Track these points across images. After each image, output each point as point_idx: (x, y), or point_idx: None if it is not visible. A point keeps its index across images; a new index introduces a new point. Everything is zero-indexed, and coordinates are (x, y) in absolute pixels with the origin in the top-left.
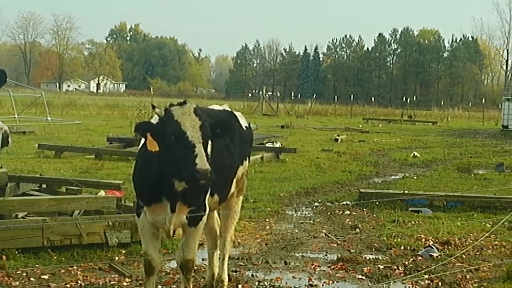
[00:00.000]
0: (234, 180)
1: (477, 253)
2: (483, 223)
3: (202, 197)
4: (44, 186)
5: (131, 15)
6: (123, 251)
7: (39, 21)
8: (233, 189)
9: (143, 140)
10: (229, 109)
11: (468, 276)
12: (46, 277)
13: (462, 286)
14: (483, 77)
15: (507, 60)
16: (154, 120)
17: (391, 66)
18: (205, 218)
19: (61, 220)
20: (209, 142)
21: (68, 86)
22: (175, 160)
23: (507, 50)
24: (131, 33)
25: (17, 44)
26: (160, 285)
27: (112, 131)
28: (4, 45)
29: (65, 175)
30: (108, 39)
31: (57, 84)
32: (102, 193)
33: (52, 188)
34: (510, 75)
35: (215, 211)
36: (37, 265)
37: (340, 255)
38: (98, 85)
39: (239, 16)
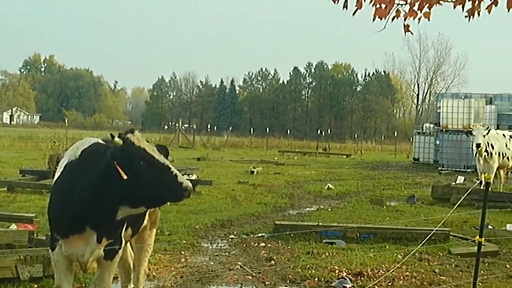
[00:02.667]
0: (147, 213)
1: (389, 284)
2: (395, 254)
3: (120, 230)
4: None
5: (45, 46)
6: (35, 286)
7: None
8: (145, 221)
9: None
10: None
11: None
12: None
13: None
14: (395, 110)
15: (418, 95)
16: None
17: (306, 99)
18: (121, 251)
19: None
20: None
21: None
22: (151, 184)
23: (418, 85)
24: (45, 64)
25: None
26: None
27: (25, 163)
28: None
29: None
30: (22, 70)
31: None
32: (13, 226)
33: None
34: (420, 109)
35: (129, 245)
36: None
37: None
38: (11, 116)
39: (155, 48)
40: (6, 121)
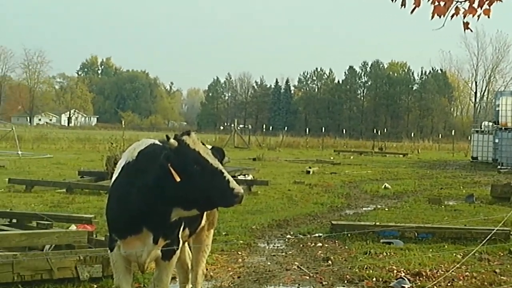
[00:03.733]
0: (205, 213)
1: (448, 284)
2: (454, 254)
3: (177, 230)
4: (14, 220)
5: (102, 48)
6: (95, 286)
7: (9, 55)
8: (203, 222)
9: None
10: None
11: None
12: None
13: None
14: (452, 109)
15: (475, 93)
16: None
17: (362, 98)
18: (178, 252)
19: (31, 255)
20: None
21: (39, 119)
22: (203, 188)
23: (475, 83)
24: (102, 66)
25: None
26: None
27: (83, 165)
28: None
29: (36, 209)
30: (79, 72)
31: (28, 118)
32: (73, 227)
33: (22, 222)
34: (478, 107)
35: (187, 245)
36: None
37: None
38: (69, 118)
39: (210, 49)
40: (64, 123)
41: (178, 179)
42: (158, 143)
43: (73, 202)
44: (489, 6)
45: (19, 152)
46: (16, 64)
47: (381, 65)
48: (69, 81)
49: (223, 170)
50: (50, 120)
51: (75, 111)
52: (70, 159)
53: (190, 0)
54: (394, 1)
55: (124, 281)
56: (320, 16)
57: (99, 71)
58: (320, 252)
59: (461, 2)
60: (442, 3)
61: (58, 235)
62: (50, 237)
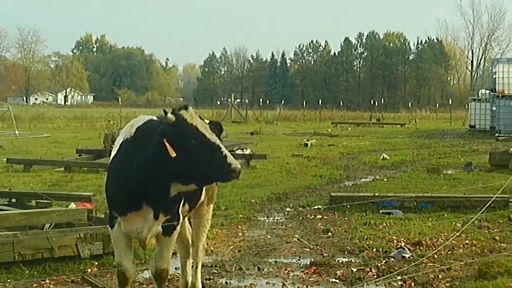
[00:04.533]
0: (204, 188)
1: (449, 252)
2: (454, 222)
3: (177, 205)
4: (13, 200)
5: (96, 26)
6: (96, 263)
7: (4, 35)
8: (203, 197)
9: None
10: None
11: (440, 276)
12: None
13: (434, 285)
14: (449, 78)
15: (472, 61)
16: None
17: (358, 70)
18: (179, 227)
19: (32, 234)
20: None
21: (35, 99)
22: (200, 163)
23: (472, 51)
24: (97, 44)
25: None
26: None
27: (81, 143)
28: None
29: (35, 188)
30: (74, 51)
31: (24, 97)
32: (72, 205)
33: (22, 202)
34: (475, 75)
35: (187, 220)
36: (8, 280)
37: (313, 260)
38: (65, 97)
39: (205, 24)
40: (60, 102)
41: (173, 155)
42: (156, 119)
43: (71, 180)
44: None
45: (16, 132)
46: (10, 43)
47: (376, 36)
48: (64, 59)
49: (221, 145)
50: (47, 99)
51: (71, 89)
52: (67, 137)
53: None
54: None
55: (125, 257)
56: None
57: (94, 49)
58: (319, 224)
59: None
60: None
61: (58, 214)
62: (49, 216)
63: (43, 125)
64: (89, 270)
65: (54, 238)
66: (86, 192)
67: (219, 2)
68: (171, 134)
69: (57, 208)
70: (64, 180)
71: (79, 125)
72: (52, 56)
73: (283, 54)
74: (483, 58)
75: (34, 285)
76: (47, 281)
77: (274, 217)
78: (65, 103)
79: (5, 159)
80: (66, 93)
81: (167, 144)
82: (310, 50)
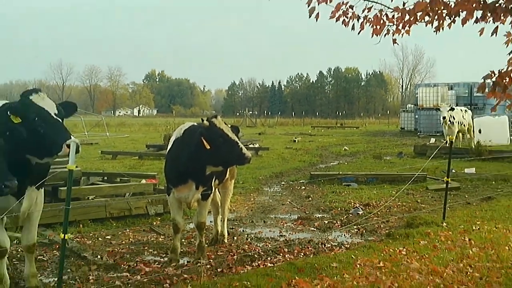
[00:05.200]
0: (228, 169)
1: (387, 210)
2: (390, 191)
3: (210, 181)
4: (105, 178)
5: (159, 63)
6: (159, 219)
7: (98, 70)
8: (227, 175)
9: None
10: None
11: (382, 226)
12: (109, 237)
13: (378, 232)
14: (387, 97)
15: (402, 86)
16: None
17: (328, 92)
18: (212, 195)
19: (117, 200)
20: None
21: (119, 112)
22: (225, 154)
23: (402, 79)
24: (158, 76)
25: (85, 87)
26: (183, 239)
27: (149, 140)
28: (76, 87)
29: (119, 170)
30: (144, 80)
31: (112, 111)
32: (143, 181)
33: (110, 179)
34: (404, 95)
35: (217, 190)
36: (102, 230)
37: (299, 215)
38: (138, 111)
39: (229, 61)
40: (135, 114)
41: (207, 147)
42: (196, 124)
43: (143, 165)
44: (409, 28)
45: (107, 134)
46: (103, 76)
47: (340, 69)
48: (138, 86)
49: (238, 141)
50: (126, 112)
51: (142, 106)
52: (140, 137)
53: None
54: (346, 26)
55: (177, 214)
56: (300, 37)
57: (157, 79)
58: (303, 192)
59: (390, 25)
60: (378, 27)
61: (134, 186)
62: (129, 188)
63: (124, 129)
64: (154, 223)
65: (132, 202)
66: (152, 173)
67: (237, 48)
68: (206, 134)
69: (133, 183)
70: (138, 165)
71: (148, 129)
72: (130, 84)
73: (279, 82)
74: (409, 84)
75: (119, 233)
76: (127, 230)
77: (274, 188)
78: (138, 115)
79: (100, 151)
80: (139, 109)
81: (203, 141)
82: (297, 79)
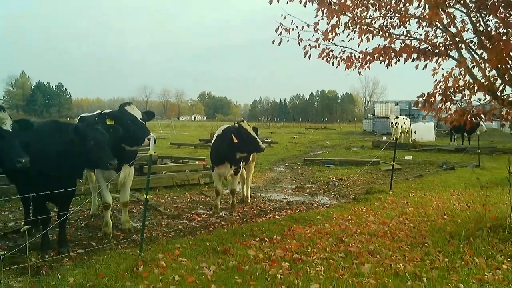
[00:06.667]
0: (251, 155)
1: (354, 183)
2: (356, 170)
3: (240, 162)
4: (173, 160)
5: (207, 85)
6: (206, 186)
7: (168, 91)
8: (250, 159)
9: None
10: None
11: (350, 193)
12: (174, 197)
13: (347, 197)
14: (355, 109)
15: (365, 102)
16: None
17: (316, 106)
18: (240, 171)
19: (180, 174)
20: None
21: (182, 118)
22: (249, 145)
23: (365, 98)
24: (207, 95)
25: (160, 101)
26: (223, 200)
27: (201, 136)
28: (155, 102)
29: (181, 155)
30: (198, 97)
31: (178, 117)
32: (196, 162)
33: (177, 161)
34: (366, 108)
35: (243, 168)
36: (170, 193)
37: (296, 185)
38: (194, 117)
39: (253, 84)
40: (192, 119)
41: (236, 141)
42: (230, 126)
43: (197, 152)
44: (369, 64)
45: (174, 132)
46: (172, 95)
47: (324, 91)
48: (194, 101)
49: (257, 137)
50: (187, 118)
51: (196, 114)
52: (195, 134)
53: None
54: (331, 64)
55: (218, 183)
56: (298, 68)
57: (206, 97)
58: (299, 170)
59: (357, 63)
60: (349, 63)
61: (192, 165)
62: (188, 166)
63: (185, 129)
64: (204, 189)
65: (189, 175)
66: (202, 157)
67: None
68: (236, 132)
69: (191, 163)
70: (194, 152)
71: (200, 129)
72: (189, 100)
73: (285, 99)
74: (369, 101)
75: (181, 195)
76: (186, 194)
77: (280, 168)
78: (194, 120)
79: (169, 143)
80: (195, 116)
81: (234, 137)
82: (296, 97)
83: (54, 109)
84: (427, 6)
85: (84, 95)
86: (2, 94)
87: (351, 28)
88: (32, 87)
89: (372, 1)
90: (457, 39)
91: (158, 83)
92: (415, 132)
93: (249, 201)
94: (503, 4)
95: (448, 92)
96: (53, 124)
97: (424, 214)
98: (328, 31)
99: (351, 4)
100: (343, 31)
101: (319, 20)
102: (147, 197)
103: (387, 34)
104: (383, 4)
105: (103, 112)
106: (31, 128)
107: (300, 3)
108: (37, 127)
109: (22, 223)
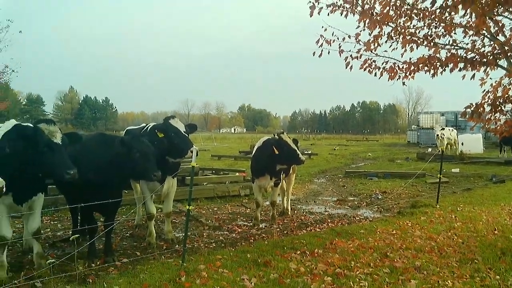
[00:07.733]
0: (291, 167)
1: (398, 196)
2: (400, 183)
3: (280, 174)
4: (213, 171)
5: (247, 97)
6: (247, 198)
7: (209, 104)
8: (291, 171)
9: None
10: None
11: (394, 206)
12: (215, 209)
13: (391, 210)
14: (398, 120)
15: (408, 113)
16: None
17: (357, 117)
18: (280, 183)
19: (221, 185)
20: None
21: (223, 130)
22: (289, 157)
23: (408, 108)
24: (247, 107)
25: (201, 114)
26: (263, 212)
27: (241, 148)
28: (196, 115)
29: (222, 167)
30: (238, 110)
31: (218, 129)
32: (237, 174)
33: (217, 172)
34: (410, 119)
35: (284, 181)
36: (211, 204)
37: (337, 198)
38: (234, 130)
39: (291, 96)
40: (232, 132)
41: (277, 152)
42: (270, 138)
43: (237, 164)
44: (413, 74)
45: (215, 144)
46: (213, 107)
47: (365, 102)
48: (233, 114)
49: (297, 150)
50: (227, 130)
51: (236, 126)
52: (235, 146)
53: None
54: (374, 75)
55: (259, 195)
56: (339, 79)
57: (246, 109)
58: (341, 183)
59: (400, 73)
60: (392, 74)
61: (232, 177)
62: (228, 178)
63: (225, 141)
64: (244, 201)
65: (230, 186)
66: (242, 168)
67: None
68: (276, 144)
69: (231, 175)
70: (234, 164)
71: (240, 141)
72: (229, 113)
73: (325, 111)
74: (413, 112)
75: (222, 206)
76: (227, 205)
77: (321, 180)
78: (234, 132)
79: (210, 155)
80: (235, 128)
81: (274, 148)
82: (337, 109)
83: (101, 122)
84: (473, 15)
85: (129, 109)
86: (52, 108)
87: (394, 38)
88: (80, 102)
89: (416, 11)
90: (506, 48)
91: (199, 97)
92: (462, 144)
93: (289, 213)
94: None
95: (498, 103)
96: (100, 137)
97: (473, 229)
98: (370, 41)
99: (394, 14)
100: (385, 42)
101: (360, 31)
102: (189, 208)
103: (432, 43)
104: (427, 13)
105: (148, 125)
106: (80, 141)
107: (341, 15)
108: (85, 140)
109: (70, 232)
